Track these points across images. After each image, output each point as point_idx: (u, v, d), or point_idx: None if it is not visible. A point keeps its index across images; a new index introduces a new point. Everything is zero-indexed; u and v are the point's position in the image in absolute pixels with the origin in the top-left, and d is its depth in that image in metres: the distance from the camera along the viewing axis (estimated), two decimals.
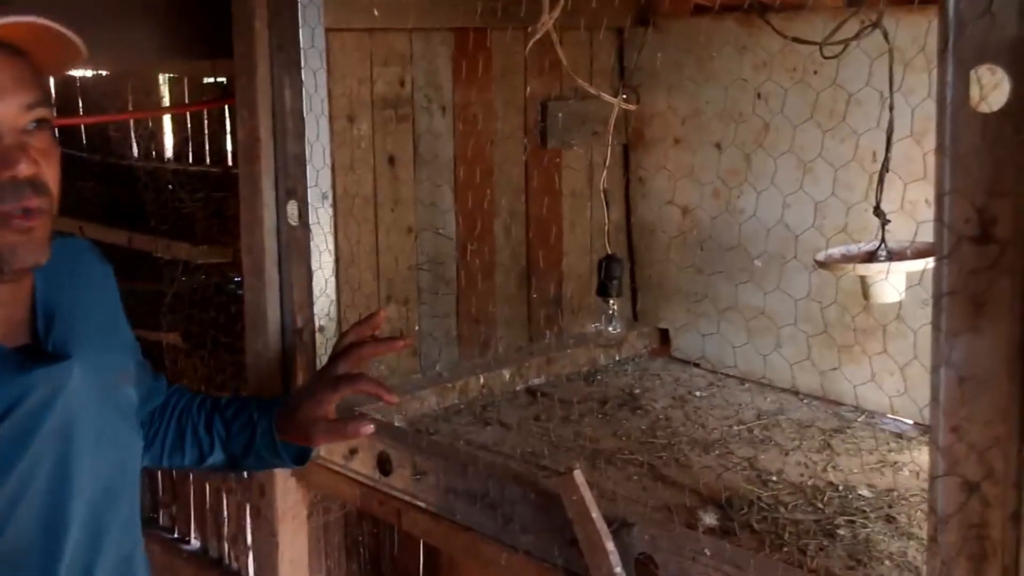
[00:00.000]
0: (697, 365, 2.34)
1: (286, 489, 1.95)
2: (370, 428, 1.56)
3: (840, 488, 1.70)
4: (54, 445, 1.25)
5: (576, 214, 2.36)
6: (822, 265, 1.74)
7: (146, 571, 1.44)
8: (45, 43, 1.18)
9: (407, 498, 1.70)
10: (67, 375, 1.26)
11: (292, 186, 1.83)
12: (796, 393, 2.14)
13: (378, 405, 1.77)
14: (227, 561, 3.06)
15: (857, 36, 1.59)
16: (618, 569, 1.36)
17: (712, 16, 2.13)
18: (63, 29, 1.17)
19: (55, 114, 1.25)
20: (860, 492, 1.69)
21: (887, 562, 1.46)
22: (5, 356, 1.23)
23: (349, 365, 1.57)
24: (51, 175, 1.20)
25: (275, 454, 1.61)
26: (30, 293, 1.28)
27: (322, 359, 1.84)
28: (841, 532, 1.55)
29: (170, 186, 2.90)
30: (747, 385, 2.22)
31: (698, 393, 2.19)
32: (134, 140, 3.25)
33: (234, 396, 1.67)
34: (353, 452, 1.77)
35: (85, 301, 1.36)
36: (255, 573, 2.71)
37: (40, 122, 1.19)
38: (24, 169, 1.16)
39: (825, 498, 1.67)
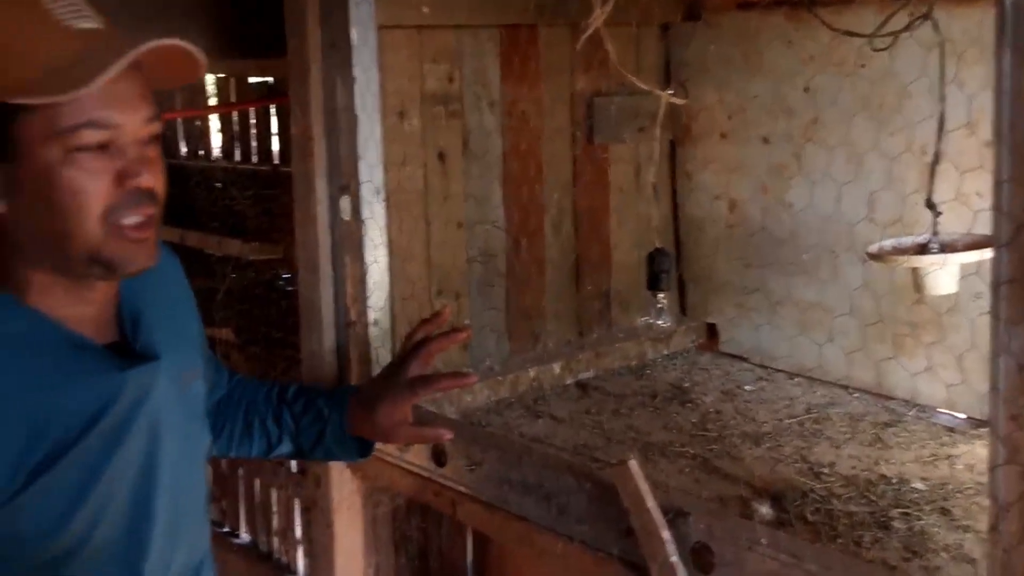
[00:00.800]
0: (745, 359, 2.34)
1: (341, 480, 1.98)
2: (450, 435, 1.61)
3: (893, 481, 1.70)
4: (143, 443, 1.28)
5: (624, 209, 2.37)
6: (874, 257, 1.74)
7: (212, 567, 1.47)
8: (167, 60, 1.21)
9: (462, 489, 1.71)
10: (156, 375, 1.29)
11: (345, 182, 1.85)
12: (846, 387, 2.13)
13: (435, 396, 1.79)
14: (277, 555, 3.10)
15: (908, 28, 1.59)
16: (674, 558, 1.37)
17: (760, 10, 2.13)
18: (194, 50, 1.20)
19: None
20: (914, 485, 1.68)
21: (943, 554, 1.46)
22: (99, 353, 1.26)
23: (420, 365, 1.59)
24: (161, 185, 1.24)
25: (343, 447, 1.63)
26: (117, 292, 1.31)
27: (377, 352, 1.87)
28: (896, 524, 1.55)
29: (219, 184, 2.95)
30: (796, 379, 2.21)
31: (747, 387, 2.19)
32: (183, 139, 3.30)
33: (300, 386, 1.68)
34: (405, 446, 1.79)
35: (162, 298, 1.39)
36: (310, 564, 2.74)
37: (156, 136, 1.23)
38: (146, 180, 1.20)
39: (878, 491, 1.66)
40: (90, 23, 1.20)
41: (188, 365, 1.42)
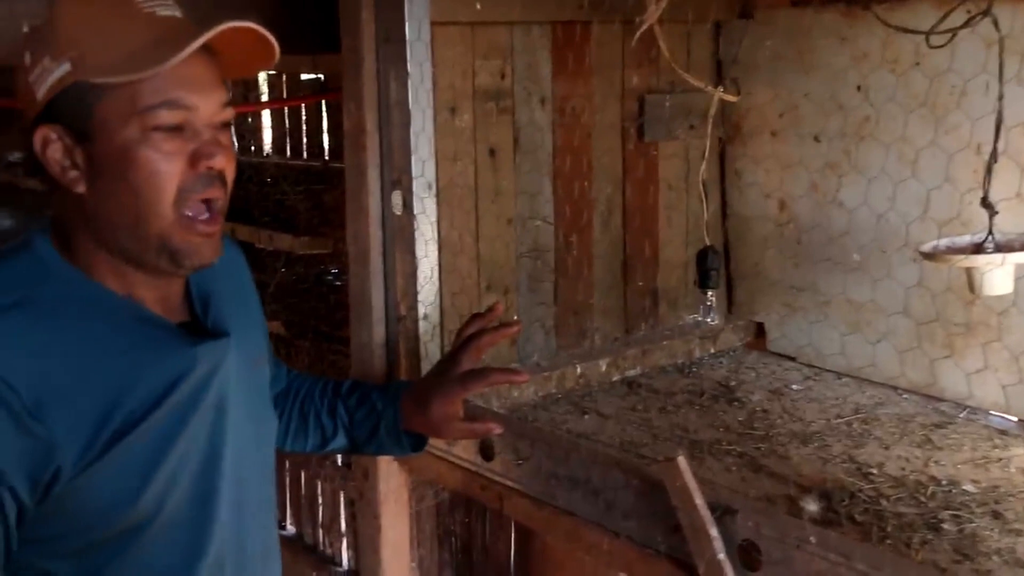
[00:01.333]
0: (793, 359, 2.32)
1: (389, 473, 1.99)
2: (500, 429, 1.62)
3: (943, 483, 1.68)
4: (211, 418, 1.31)
5: (673, 206, 2.37)
6: (928, 257, 1.72)
7: (278, 551, 1.50)
8: (240, 47, 1.25)
9: (509, 483, 1.72)
10: (226, 351, 1.33)
11: (397, 176, 1.87)
12: (895, 388, 2.11)
13: (484, 391, 1.80)
14: (322, 547, 3.13)
15: (967, 24, 1.57)
16: (721, 555, 1.37)
17: (814, 8, 2.12)
18: (268, 34, 1.24)
19: None
20: (964, 487, 1.66)
21: (995, 558, 1.44)
22: (171, 330, 1.30)
23: (471, 359, 1.60)
24: (232, 171, 1.28)
25: (397, 442, 1.65)
26: (184, 276, 1.35)
27: (426, 346, 1.88)
28: (946, 526, 1.53)
29: (269, 179, 2.98)
30: (845, 379, 2.20)
31: (794, 387, 2.17)
32: (234, 135, 3.35)
33: (354, 382, 1.71)
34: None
35: (229, 285, 1.43)
36: (355, 556, 2.76)
37: (228, 122, 1.28)
38: (219, 162, 1.24)
39: (928, 492, 1.65)
40: (170, 11, 1.25)
41: (256, 349, 1.46)
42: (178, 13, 1.25)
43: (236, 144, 3.31)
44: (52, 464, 1.17)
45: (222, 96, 1.25)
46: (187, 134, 1.22)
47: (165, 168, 1.21)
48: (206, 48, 1.22)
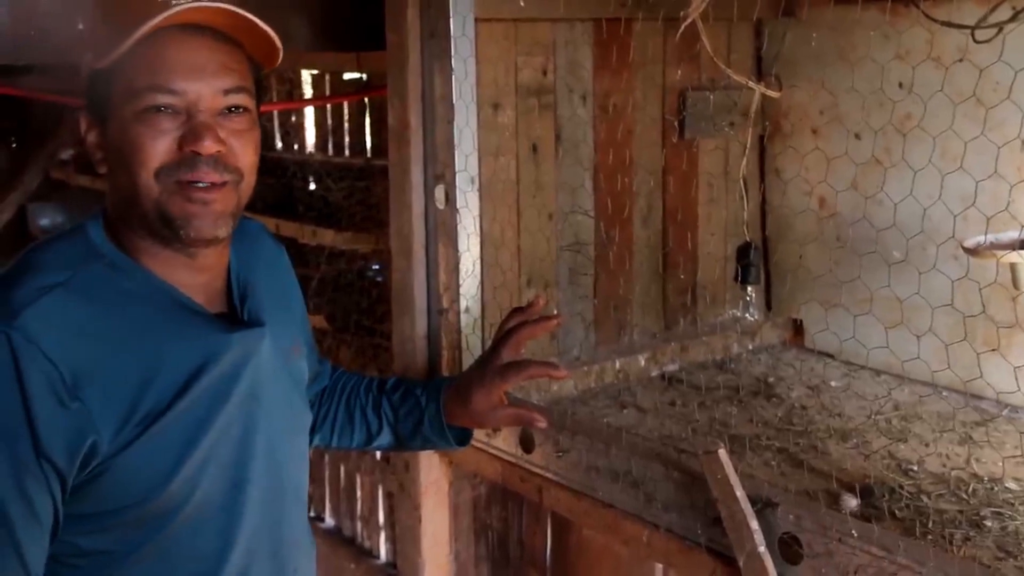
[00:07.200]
0: (832, 355, 2.32)
1: (429, 465, 2.01)
2: (544, 423, 1.63)
3: (985, 480, 1.67)
4: (244, 407, 1.33)
5: (712, 203, 2.37)
6: (971, 252, 1.71)
7: (312, 538, 1.52)
8: (251, 36, 1.27)
9: (549, 475, 1.73)
10: (260, 340, 1.35)
11: (440, 171, 1.88)
12: (935, 385, 2.10)
13: (524, 383, 1.81)
14: (360, 540, 3.15)
15: (1013, 19, 1.57)
16: (762, 548, 1.38)
17: (858, 5, 2.11)
18: (252, 17, 1.24)
19: (257, 104, 1.33)
20: (1007, 485, 1.65)
21: None
22: (207, 318, 1.32)
23: (511, 351, 1.62)
24: (242, 156, 1.28)
25: (441, 436, 1.66)
26: (227, 266, 1.38)
27: (468, 339, 1.90)
28: (988, 523, 1.53)
29: (312, 176, 3.02)
30: (884, 376, 2.19)
31: (834, 383, 2.17)
32: (279, 133, 3.39)
33: (397, 378, 1.73)
34: (496, 429, 1.81)
35: (270, 280, 1.45)
36: (395, 547, 2.78)
37: (237, 107, 1.27)
38: (209, 146, 1.23)
39: (970, 489, 1.64)
40: None
41: (292, 341, 1.47)
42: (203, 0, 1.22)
43: (279, 140, 3.37)
44: (89, 439, 1.19)
45: (226, 82, 1.25)
46: (183, 117, 1.24)
47: (150, 145, 1.23)
48: (215, 34, 1.24)
